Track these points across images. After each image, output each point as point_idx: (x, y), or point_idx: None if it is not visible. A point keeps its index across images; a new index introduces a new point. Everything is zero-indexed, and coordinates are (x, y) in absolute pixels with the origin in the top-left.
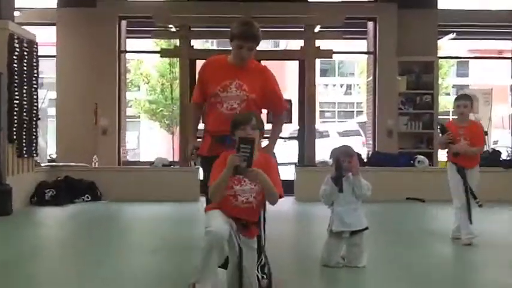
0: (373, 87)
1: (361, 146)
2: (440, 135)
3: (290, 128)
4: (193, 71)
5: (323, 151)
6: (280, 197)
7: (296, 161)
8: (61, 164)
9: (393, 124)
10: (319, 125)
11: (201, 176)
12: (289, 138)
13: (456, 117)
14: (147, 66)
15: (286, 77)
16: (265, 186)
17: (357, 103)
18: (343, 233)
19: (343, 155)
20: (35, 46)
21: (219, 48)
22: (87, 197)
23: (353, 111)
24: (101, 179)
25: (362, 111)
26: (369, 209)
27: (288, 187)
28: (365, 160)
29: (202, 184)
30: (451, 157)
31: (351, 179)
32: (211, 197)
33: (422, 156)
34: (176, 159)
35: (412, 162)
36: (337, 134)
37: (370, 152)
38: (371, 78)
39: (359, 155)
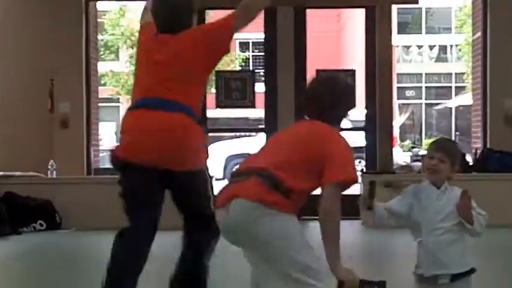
0: (483, 49)
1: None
2: None
3: (353, 114)
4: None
5: None
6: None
7: (363, 165)
8: None
9: None
10: None
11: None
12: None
13: None
14: (132, 19)
15: (345, 35)
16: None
17: (456, 74)
18: (440, 278)
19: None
20: None
21: None
22: (40, 225)
23: (450, 86)
24: (61, 196)
25: (464, 86)
26: (476, 239)
27: (350, 205)
28: (470, 163)
29: None
30: None
31: (454, 192)
32: None
33: None
34: None
35: None
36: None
37: (479, 151)
38: (479, 35)
39: (462, 155)
